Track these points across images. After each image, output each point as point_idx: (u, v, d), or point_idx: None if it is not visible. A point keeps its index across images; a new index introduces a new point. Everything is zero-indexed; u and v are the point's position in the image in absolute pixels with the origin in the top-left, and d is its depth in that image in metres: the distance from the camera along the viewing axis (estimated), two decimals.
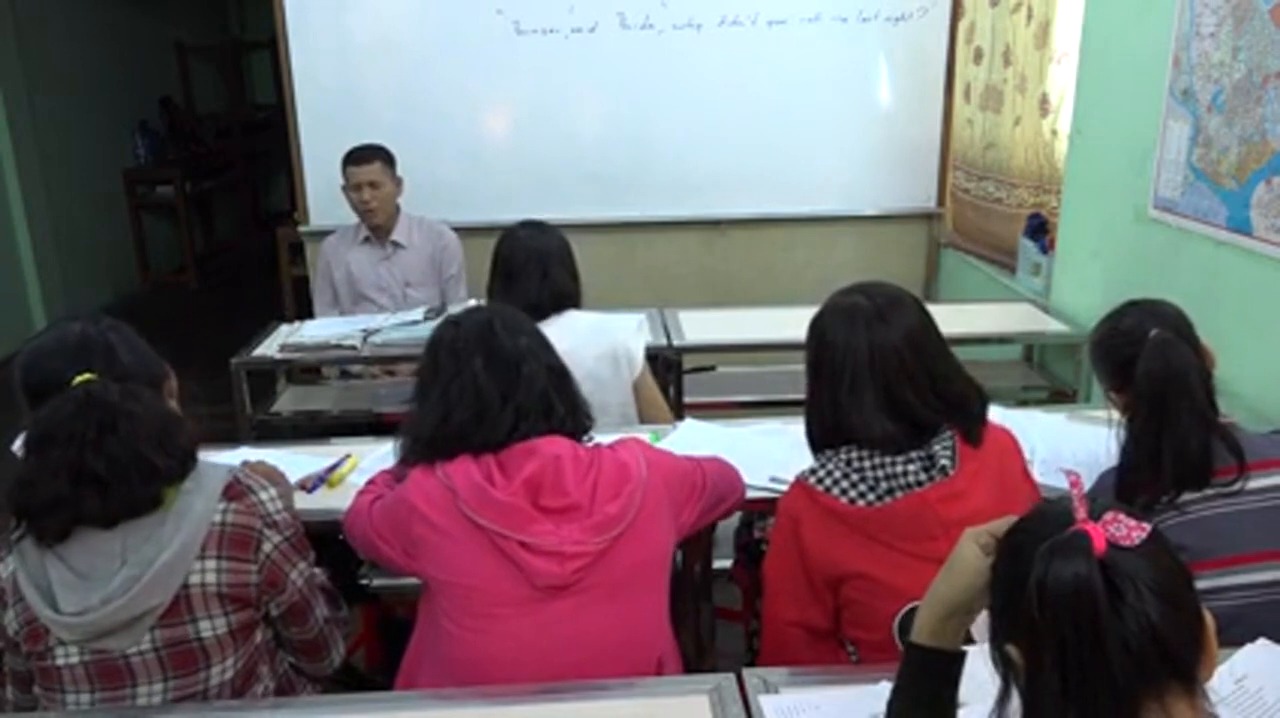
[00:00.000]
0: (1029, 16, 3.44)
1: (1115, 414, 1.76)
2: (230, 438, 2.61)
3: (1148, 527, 0.91)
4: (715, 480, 1.79)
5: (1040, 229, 3.38)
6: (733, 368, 3.40)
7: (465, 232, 3.72)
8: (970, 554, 1.11)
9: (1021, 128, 3.53)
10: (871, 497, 1.53)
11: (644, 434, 2.16)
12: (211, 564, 1.47)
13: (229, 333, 3.26)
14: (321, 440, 2.48)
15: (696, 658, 2.25)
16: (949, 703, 1.14)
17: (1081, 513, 0.92)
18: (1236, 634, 1.40)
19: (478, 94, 4.12)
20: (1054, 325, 3.13)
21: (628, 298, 3.33)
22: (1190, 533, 1.54)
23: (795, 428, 2.31)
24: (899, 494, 1.52)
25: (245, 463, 1.79)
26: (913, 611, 1.51)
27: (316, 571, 1.68)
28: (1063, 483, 1.93)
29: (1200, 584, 0.96)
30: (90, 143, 6.54)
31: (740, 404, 3.14)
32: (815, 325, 1.64)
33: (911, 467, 1.53)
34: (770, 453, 2.12)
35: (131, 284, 7.04)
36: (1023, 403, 3.00)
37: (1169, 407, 1.59)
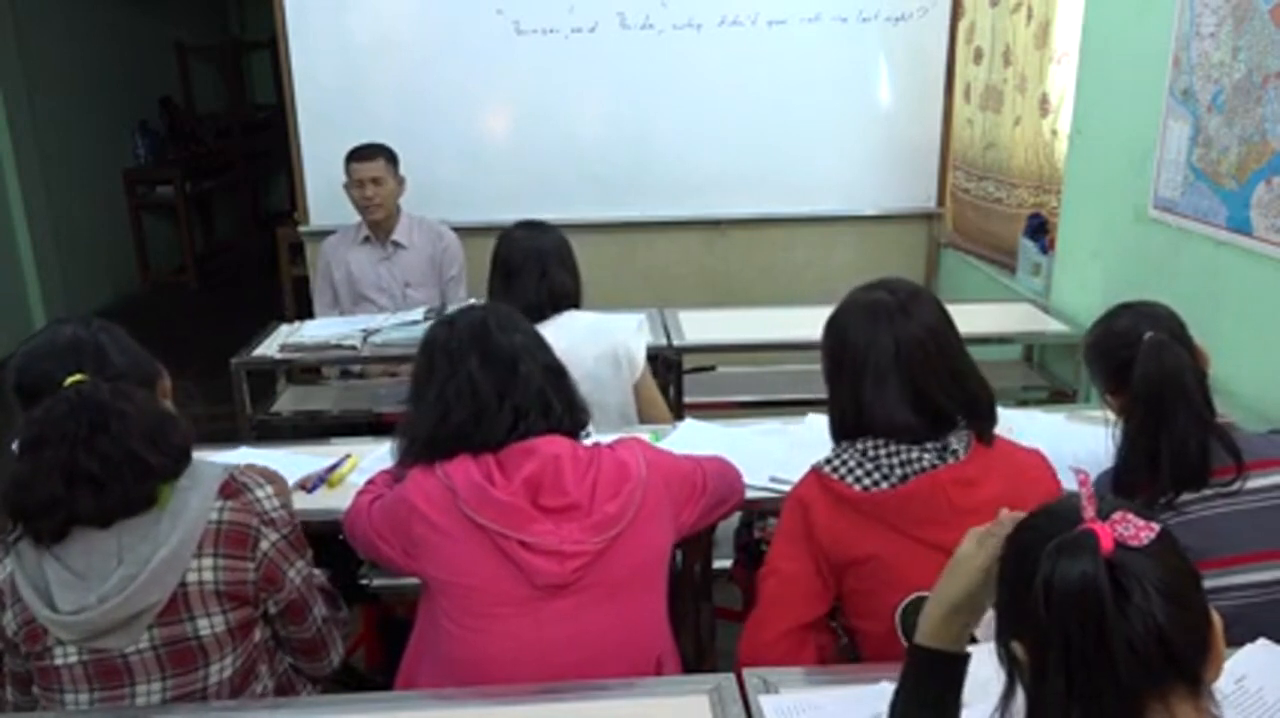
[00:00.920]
0: (1029, 16, 3.44)
1: (1112, 416, 1.76)
2: (230, 438, 2.60)
3: (1156, 527, 0.90)
4: (716, 481, 1.78)
5: (1040, 229, 3.38)
6: (733, 368, 3.40)
7: (465, 232, 3.72)
8: (971, 552, 1.11)
9: (1021, 128, 3.53)
10: (885, 484, 1.53)
11: (644, 434, 2.16)
12: (209, 562, 1.47)
13: (229, 333, 3.26)
14: (321, 440, 2.48)
15: (696, 658, 2.25)
16: (952, 704, 1.13)
17: (1089, 512, 0.92)
18: (1237, 634, 1.40)
19: (478, 94, 4.12)
20: (1054, 325, 3.13)
21: (628, 298, 3.33)
22: (1189, 533, 1.54)
23: (795, 428, 2.34)
24: (911, 479, 1.53)
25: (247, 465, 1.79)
26: (915, 601, 1.51)
27: (316, 571, 1.68)
28: (1063, 483, 1.94)
29: None
30: (90, 143, 6.54)
31: (740, 404, 3.14)
32: (835, 322, 1.64)
33: (926, 454, 1.54)
34: (770, 453, 2.12)
35: (131, 284, 7.04)
36: (1023, 403, 3.00)
37: (1166, 408, 1.59)
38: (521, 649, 1.53)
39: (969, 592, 1.10)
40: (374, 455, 2.21)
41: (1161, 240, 2.60)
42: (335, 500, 1.95)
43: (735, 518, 2.38)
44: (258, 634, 1.58)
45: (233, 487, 1.53)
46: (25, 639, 1.45)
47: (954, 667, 1.13)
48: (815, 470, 1.60)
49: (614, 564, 1.56)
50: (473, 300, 1.85)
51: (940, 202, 4.28)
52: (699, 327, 3.15)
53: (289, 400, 3.15)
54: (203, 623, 1.48)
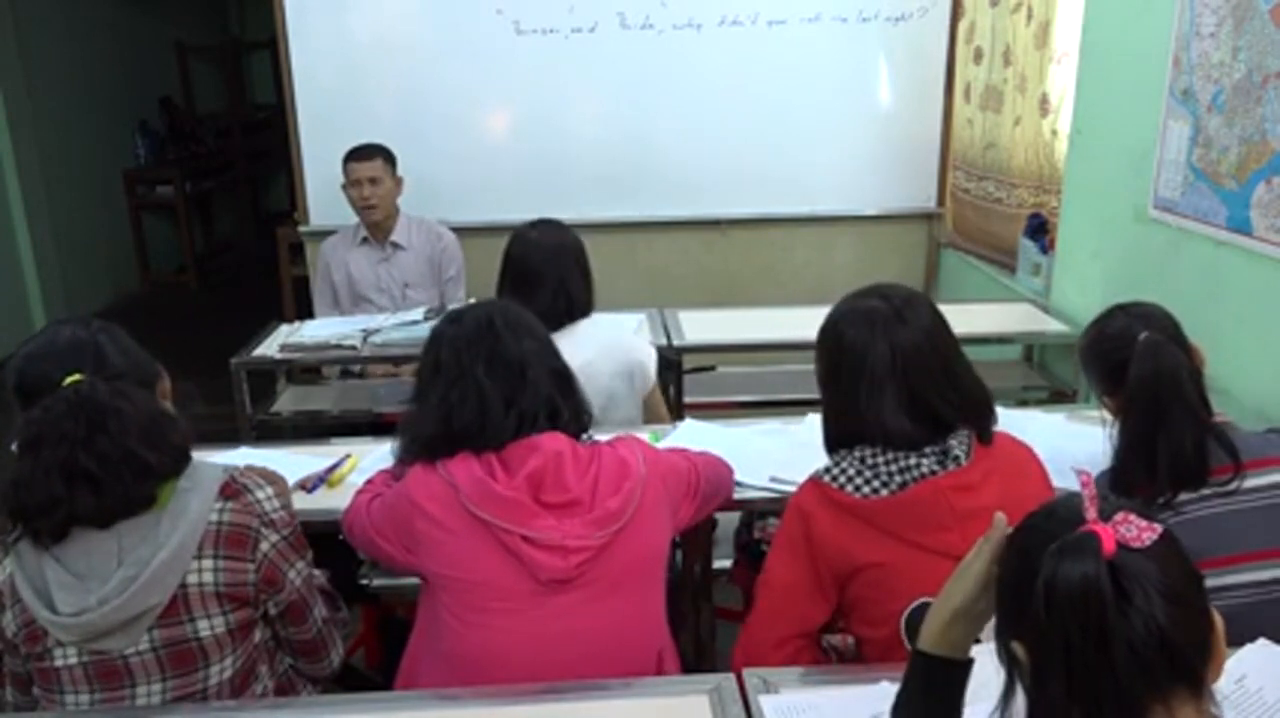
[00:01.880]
0: (1029, 16, 3.44)
1: (1109, 417, 1.76)
2: (230, 438, 2.61)
3: (1159, 528, 0.90)
4: (708, 476, 1.80)
5: (1040, 229, 3.38)
6: (733, 368, 3.40)
7: (465, 232, 3.73)
8: (970, 558, 1.10)
9: (1021, 128, 3.53)
10: (884, 492, 1.53)
11: (643, 434, 2.16)
12: (209, 564, 1.47)
13: (229, 333, 3.26)
14: (321, 440, 2.48)
15: (696, 658, 2.25)
16: (955, 710, 1.13)
17: (1092, 513, 0.91)
18: (1236, 633, 1.39)
19: (478, 94, 4.12)
20: (1054, 325, 3.13)
21: (628, 298, 3.33)
22: (1188, 533, 1.52)
23: (795, 428, 2.33)
24: (911, 486, 1.52)
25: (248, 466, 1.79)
26: (919, 607, 1.51)
27: (316, 571, 1.68)
28: (1063, 484, 1.94)
29: None
30: (90, 143, 6.54)
31: (740, 404, 3.14)
32: (830, 330, 1.63)
33: (926, 460, 1.53)
34: (770, 453, 2.12)
35: (131, 284, 7.04)
36: (1023, 403, 3.00)
37: (1162, 408, 1.59)
38: (523, 644, 1.54)
39: (970, 598, 1.09)
40: (374, 455, 2.21)
41: (1161, 240, 2.60)
42: (335, 500, 1.95)
43: (735, 518, 2.38)
44: (258, 635, 1.58)
45: (233, 488, 1.53)
46: (25, 641, 1.46)
47: (957, 673, 1.13)
48: (814, 480, 1.60)
49: (615, 560, 1.56)
50: (473, 300, 1.84)
51: (940, 201, 4.28)
52: (699, 327, 3.15)
53: (289, 400, 3.15)
54: (203, 624, 1.48)
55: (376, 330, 3.03)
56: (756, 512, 2.29)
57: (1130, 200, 2.73)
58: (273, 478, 1.63)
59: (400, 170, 3.53)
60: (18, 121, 5.68)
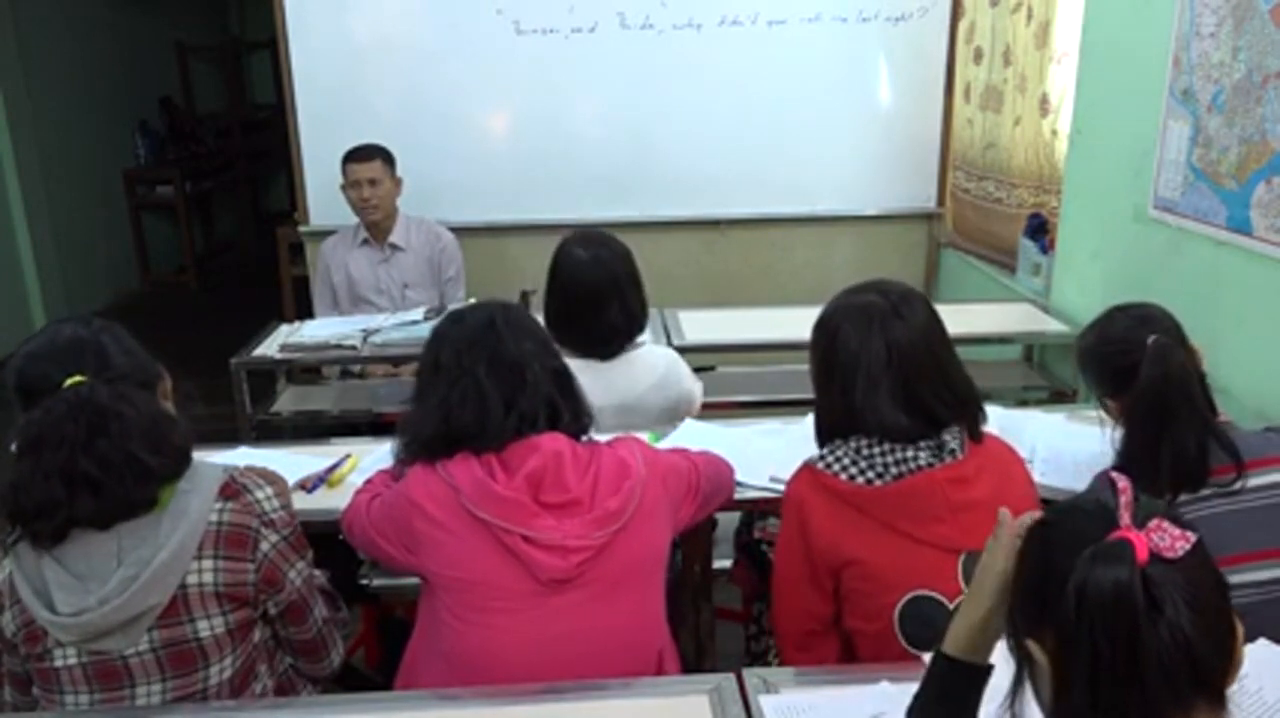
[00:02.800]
0: (1029, 16, 3.44)
1: (1108, 419, 1.76)
2: (230, 438, 2.61)
3: (1192, 538, 0.89)
4: (708, 476, 1.79)
5: (1040, 229, 3.38)
6: (733, 368, 3.40)
7: (464, 232, 3.73)
8: (989, 561, 1.08)
9: (1021, 128, 3.53)
10: (879, 482, 1.54)
11: (643, 434, 2.16)
12: (209, 564, 1.47)
13: (229, 333, 3.26)
14: (321, 440, 2.48)
15: (696, 658, 2.25)
16: (972, 714, 1.12)
17: (1126, 518, 0.90)
18: None
19: (477, 94, 4.11)
20: (1054, 325, 3.13)
21: None
22: None
23: (795, 428, 2.33)
24: (907, 477, 1.53)
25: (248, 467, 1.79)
26: (913, 600, 1.51)
27: (316, 572, 1.68)
28: (1063, 484, 1.94)
29: None
30: (90, 143, 6.54)
31: (740, 404, 3.14)
32: (825, 324, 1.63)
33: (922, 453, 1.54)
34: (770, 453, 2.12)
35: (131, 284, 7.04)
36: (1023, 403, 3.00)
37: (1170, 412, 1.59)
38: (524, 644, 1.54)
39: (1001, 600, 1.07)
40: (374, 455, 2.21)
41: (1161, 240, 2.60)
42: (335, 500, 1.95)
43: (735, 518, 2.38)
44: (257, 635, 1.58)
45: (233, 488, 1.53)
46: (25, 641, 1.45)
47: (978, 678, 1.11)
48: (808, 466, 1.60)
49: (615, 560, 1.56)
50: (472, 301, 1.84)
51: (940, 202, 4.28)
52: (699, 327, 3.15)
53: (289, 400, 3.15)
54: (202, 624, 1.48)
55: (376, 331, 3.03)
56: (756, 512, 2.29)
57: (1130, 200, 2.73)
58: (273, 478, 1.62)
59: (400, 170, 3.53)
60: (18, 121, 5.68)
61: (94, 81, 6.62)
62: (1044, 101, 3.34)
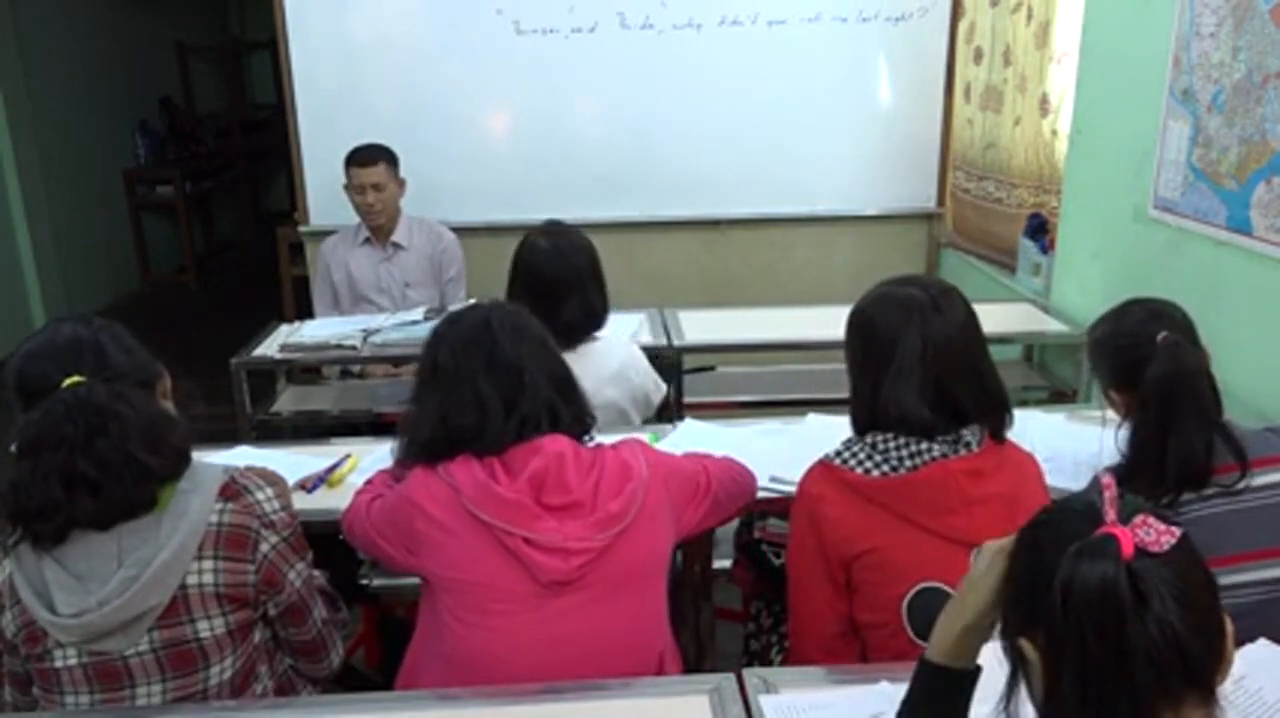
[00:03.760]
0: (1029, 16, 3.44)
1: (1111, 414, 1.76)
2: (230, 438, 2.60)
3: (1177, 532, 0.89)
4: (722, 481, 1.78)
5: (1040, 229, 3.38)
6: (733, 368, 3.40)
7: (465, 232, 3.73)
8: (985, 569, 1.08)
9: (1021, 128, 3.53)
10: (893, 474, 1.54)
11: (643, 435, 2.16)
12: (209, 565, 1.47)
13: (229, 333, 3.26)
14: (321, 440, 2.48)
15: (696, 658, 2.25)
16: (958, 714, 1.12)
17: (1111, 515, 0.90)
18: (1241, 632, 1.39)
19: (477, 94, 4.11)
20: (1054, 325, 3.13)
21: (628, 298, 3.33)
22: (1192, 533, 1.54)
23: (795, 428, 2.34)
24: (922, 468, 1.53)
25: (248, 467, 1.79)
26: (922, 592, 1.51)
27: (316, 572, 1.68)
28: (1063, 484, 1.94)
29: None
30: (90, 143, 6.54)
31: (740, 404, 3.14)
32: (861, 315, 1.63)
33: (938, 446, 1.54)
34: (771, 453, 2.12)
35: (131, 284, 7.04)
36: (1023, 403, 3.00)
37: (1177, 410, 1.58)
38: (525, 646, 1.53)
39: (983, 613, 1.08)
40: (374, 455, 2.21)
41: (1161, 240, 2.60)
42: (335, 501, 1.95)
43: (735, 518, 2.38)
44: (257, 635, 1.58)
45: (233, 489, 1.53)
46: (25, 641, 1.45)
47: (965, 682, 1.12)
48: (823, 462, 1.61)
49: (617, 562, 1.56)
50: (472, 301, 1.83)
51: (940, 201, 4.28)
52: (699, 327, 3.15)
53: (289, 400, 3.15)
54: (203, 625, 1.48)
55: (376, 330, 3.03)
56: (756, 512, 2.28)
57: (1130, 200, 2.73)
58: (273, 479, 1.62)
59: (400, 171, 3.52)
60: (18, 121, 5.68)
61: (94, 81, 6.62)
62: (1044, 101, 3.34)
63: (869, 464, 1.56)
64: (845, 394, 1.67)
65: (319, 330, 3.12)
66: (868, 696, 1.39)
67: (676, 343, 3.01)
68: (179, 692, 1.49)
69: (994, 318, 3.23)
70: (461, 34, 4.03)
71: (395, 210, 3.52)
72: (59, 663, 1.46)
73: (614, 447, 1.66)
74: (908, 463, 1.54)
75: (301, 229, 4.23)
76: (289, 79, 4.05)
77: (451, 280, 3.60)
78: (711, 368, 3.37)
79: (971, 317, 1.61)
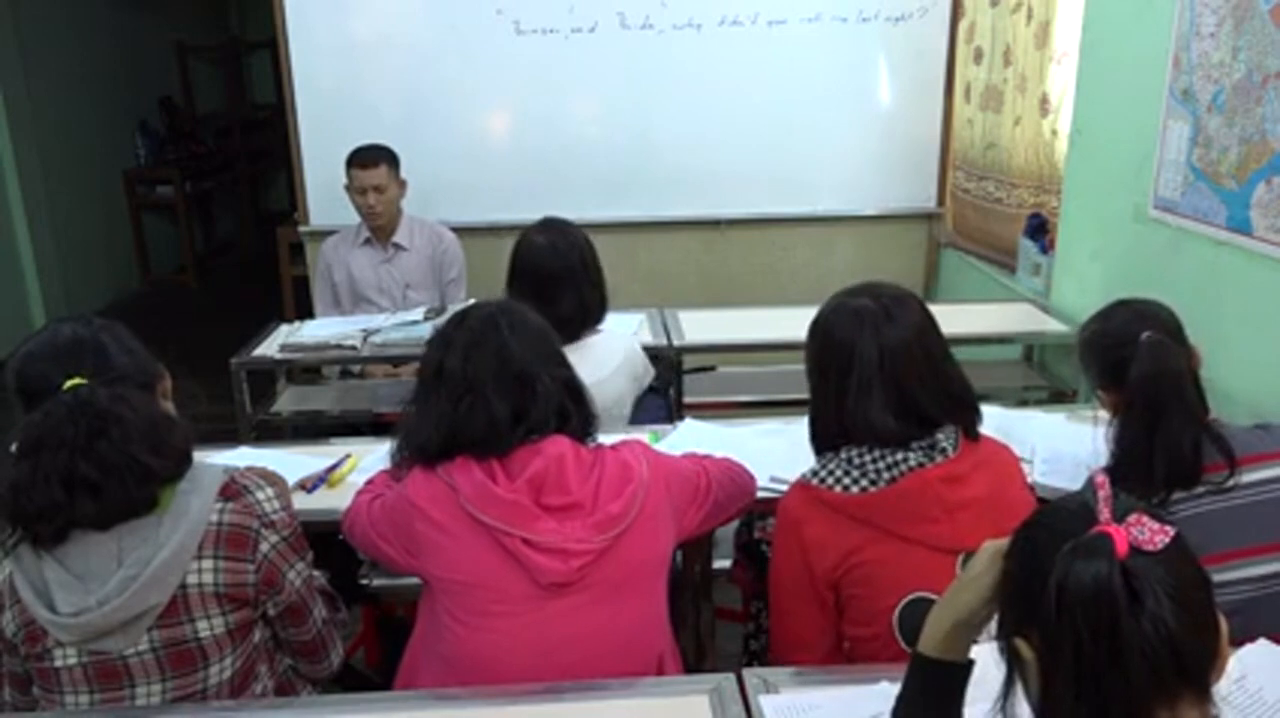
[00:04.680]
0: (1029, 16, 3.44)
1: (1102, 413, 1.76)
2: (230, 438, 2.61)
3: (1171, 531, 0.89)
4: (722, 483, 1.77)
5: (1040, 229, 3.38)
6: (733, 368, 3.40)
7: (465, 232, 3.73)
8: (984, 568, 1.08)
9: (1021, 128, 3.53)
10: (873, 489, 1.54)
11: (643, 435, 2.16)
12: (209, 564, 1.47)
13: (229, 333, 3.26)
14: (321, 440, 2.48)
15: (696, 658, 2.25)
16: (956, 712, 1.13)
17: (1105, 514, 0.90)
18: (1235, 628, 1.40)
19: (477, 94, 4.12)
20: (1054, 325, 3.13)
21: (628, 298, 3.33)
22: (1184, 532, 1.54)
23: (795, 428, 2.32)
24: (900, 479, 1.53)
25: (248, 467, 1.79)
26: (912, 603, 1.52)
27: (315, 573, 1.68)
28: (1063, 484, 1.94)
29: None
30: (90, 143, 6.54)
31: (740, 404, 3.14)
32: (819, 327, 1.64)
33: (913, 454, 1.54)
34: (770, 453, 2.12)
35: (131, 284, 7.04)
36: (1023, 403, 3.00)
37: (1161, 408, 1.59)
38: (524, 647, 1.53)
39: (974, 610, 1.08)
40: (374, 455, 2.21)
41: (1161, 240, 2.60)
42: (335, 500, 1.95)
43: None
44: (257, 635, 1.58)
45: (233, 489, 1.53)
46: (25, 641, 1.45)
47: (958, 676, 1.12)
48: (801, 483, 1.60)
49: (616, 564, 1.56)
50: (473, 301, 1.83)
51: (940, 202, 4.28)
52: (699, 327, 3.15)
53: (289, 400, 3.15)
54: (202, 625, 1.48)
55: (376, 331, 3.03)
56: (756, 512, 2.28)
57: (1130, 200, 2.73)
58: (273, 479, 1.62)
59: (401, 171, 3.52)
60: (18, 121, 5.68)
61: (94, 81, 6.61)
62: (1044, 101, 3.34)
63: (847, 481, 1.55)
64: None
65: (319, 330, 3.12)
66: (867, 696, 1.39)
67: (676, 343, 3.01)
68: (179, 691, 1.49)
69: (994, 318, 3.26)
70: (461, 34, 4.03)
71: (396, 211, 3.52)
72: (59, 663, 1.46)
73: (615, 448, 1.65)
74: (885, 476, 1.54)
75: (301, 229, 4.23)
76: (289, 79, 4.05)
77: (452, 282, 3.60)
78: (711, 368, 3.37)
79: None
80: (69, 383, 1.45)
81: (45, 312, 5.82)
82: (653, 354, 2.70)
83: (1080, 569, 0.87)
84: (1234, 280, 2.32)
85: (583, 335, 2.35)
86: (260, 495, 1.55)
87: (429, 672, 1.60)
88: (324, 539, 1.83)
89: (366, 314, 3.38)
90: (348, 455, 2.25)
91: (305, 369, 3.30)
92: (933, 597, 1.50)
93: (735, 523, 2.36)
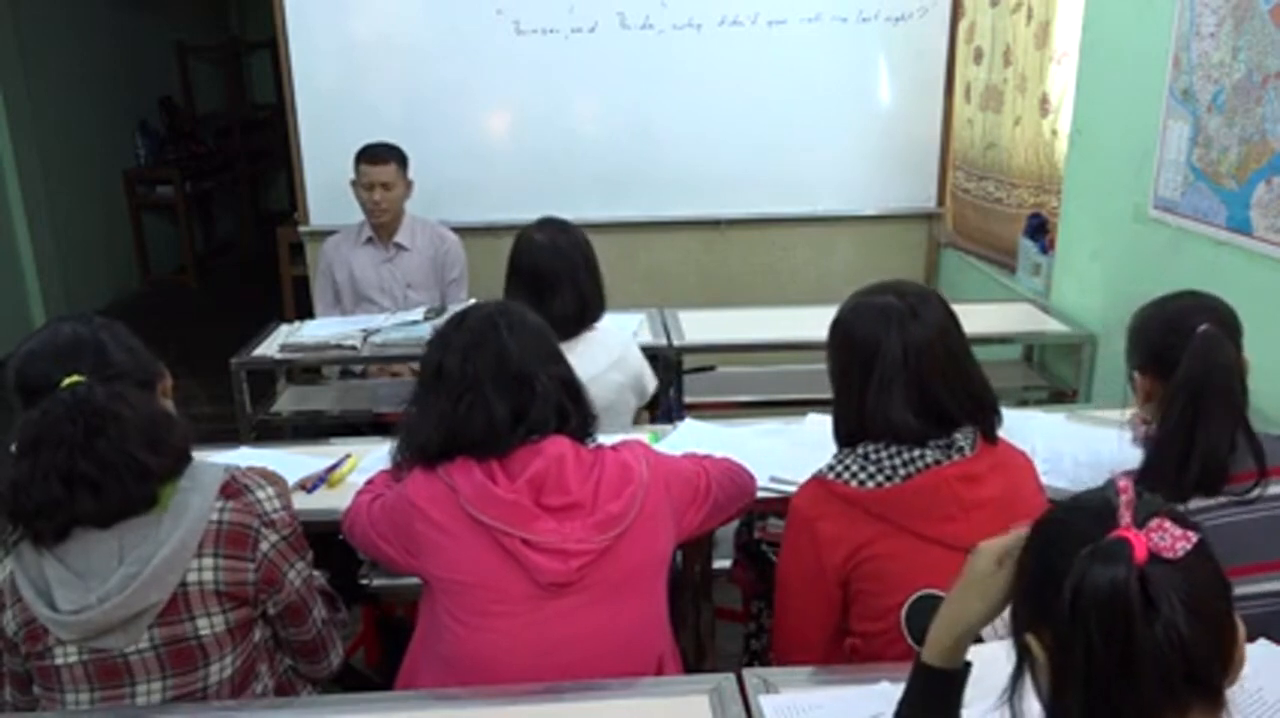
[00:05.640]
0: (1029, 16, 3.44)
1: (1125, 414, 1.73)
2: (230, 438, 2.61)
3: (1194, 537, 0.88)
4: (722, 483, 1.77)
5: (1040, 229, 3.38)
6: (733, 368, 3.40)
7: (465, 232, 3.73)
8: (991, 570, 1.07)
9: (1021, 128, 3.53)
10: (889, 484, 1.54)
11: (643, 435, 2.16)
12: (209, 562, 1.47)
13: (229, 333, 3.26)
14: (321, 440, 2.48)
15: (696, 658, 2.25)
16: (956, 712, 1.13)
17: (1126, 518, 0.89)
18: (1252, 642, 1.38)
19: (477, 94, 4.12)
20: (1054, 325, 3.13)
21: (628, 298, 3.33)
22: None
23: (795, 428, 2.34)
24: (916, 476, 1.53)
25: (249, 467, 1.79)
26: (920, 599, 1.51)
27: (315, 572, 1.68)
28: (1063, 484, 1.94)
29: None
30: (90, 143, 6.53)
31: (740, 404, 3.14)
32: (841, 324, 1.63)
33: (930, 452, 1.54)
34: (770, 453, 2.12)
35: (131, 284, 7.04)
36: (1023, 403, 3.00)
37: (1206, 405, 1.54)
38: (523, 648, 1.53)
39: (987, 616, 1.07)
40: (374, 455, 2.21)
41: (1161, 240, 2.60)
42: (335, 500, 1.95)
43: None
44: (257, 634, 1.58)
45: (234, 487, 1.53)
46: (25, 639, 1.46)
47: (959, 679, 1.12)
48: (817, 478, 1.60)
49: (616, 564, 1.55)
50: (473, 301, 1.83)
51: (940, 201, 4.28)
52: (699, 327, 3.15)
53: (289, 400, 3.15)
54: (203, 623, 1.48)
55: (376, 330, 3.03)
56: (756, 512, 2.29)
57: (1130, 200, 2.73)
58: (273, 478, 1.62)
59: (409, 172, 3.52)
60: (18, 122, 5.68)
61: (94, 81, 6.61)
62: (1044, 101, 3.34)
63: (863, 476, 1.55)
64: None
65: (319, 330, 3.12)
66: (867, 696, 1.39)
67: (676, 343, 3.01)
68: (179, 690, 1.49)
69: (994, 318, 3.26)
70: (462, 34, 4.03)
71: (400, 211, 3.52)
72: (59, 661, 1.46)
73: (614, 448, 1.65)
74: (901, 472, 1.53)
75: (301, 229, 4.23)
76: (289, 79, 4.05)
77: (454, 282, 3.60)
78: (711, 368, 3.37)
79: (951, 320, 1.60)
80: (67, 381, 1.45)
81: (45, 311, 5.81)
82: (652, 354, 2.70)
83: (1096, 574, 0.86)
84: (1234, 280, 2.32)
85: (580, 333, 2.36)
86: (260, 494, 1.56)
87: (429, 672, 1.60)
88: (324, 539, 1.83)
89: (367, 314, 3.38)
90: (348, 455, 2.25)
91: (305, 369, 3.30)
92: (941, 594, 1.50)
93: (735, 523, 2.36)
